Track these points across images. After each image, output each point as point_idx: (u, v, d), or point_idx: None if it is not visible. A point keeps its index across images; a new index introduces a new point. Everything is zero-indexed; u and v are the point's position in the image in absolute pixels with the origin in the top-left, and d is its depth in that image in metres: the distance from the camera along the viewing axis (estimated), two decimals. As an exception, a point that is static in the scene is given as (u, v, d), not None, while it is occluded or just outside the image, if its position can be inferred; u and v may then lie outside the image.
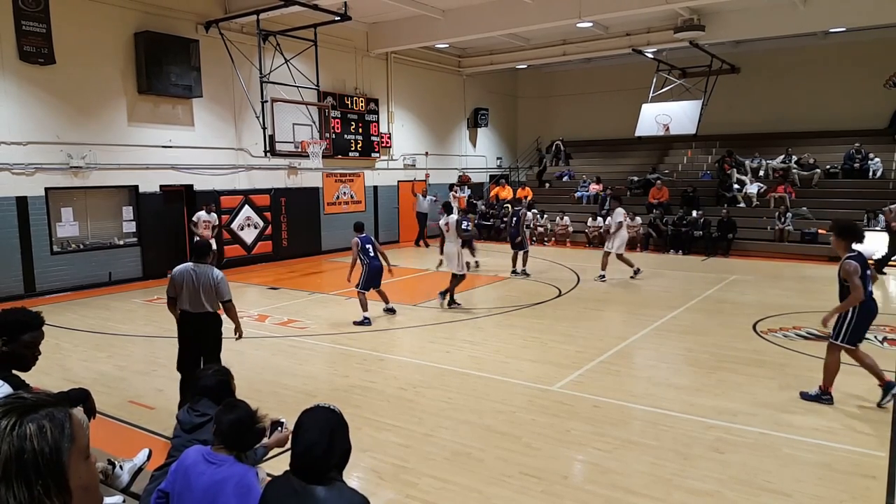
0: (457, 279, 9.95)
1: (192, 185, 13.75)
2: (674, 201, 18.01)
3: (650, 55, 17.91)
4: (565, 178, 21.84)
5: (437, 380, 6.62)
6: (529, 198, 20.37)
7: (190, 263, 5.49)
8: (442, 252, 10.24)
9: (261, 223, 15.27)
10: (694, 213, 16.92)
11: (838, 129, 18.34)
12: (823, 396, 5.87)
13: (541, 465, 4.66)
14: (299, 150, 14.43)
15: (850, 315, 5.72)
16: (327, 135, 15.32)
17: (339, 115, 16.77)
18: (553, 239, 18.59)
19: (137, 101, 12.60)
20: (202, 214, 12.97)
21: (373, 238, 9.51)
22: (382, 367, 7.18)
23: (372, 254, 9.27)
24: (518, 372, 6.86)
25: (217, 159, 14.17)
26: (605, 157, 22.50)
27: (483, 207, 20.45)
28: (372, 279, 9.30)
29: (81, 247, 12.17)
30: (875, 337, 8.12)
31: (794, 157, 17.91)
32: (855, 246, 5.79)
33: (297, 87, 14.21)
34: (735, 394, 6.17)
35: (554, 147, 23.09)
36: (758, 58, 18.79)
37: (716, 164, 19.29)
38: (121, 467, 3.77)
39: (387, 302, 9.60)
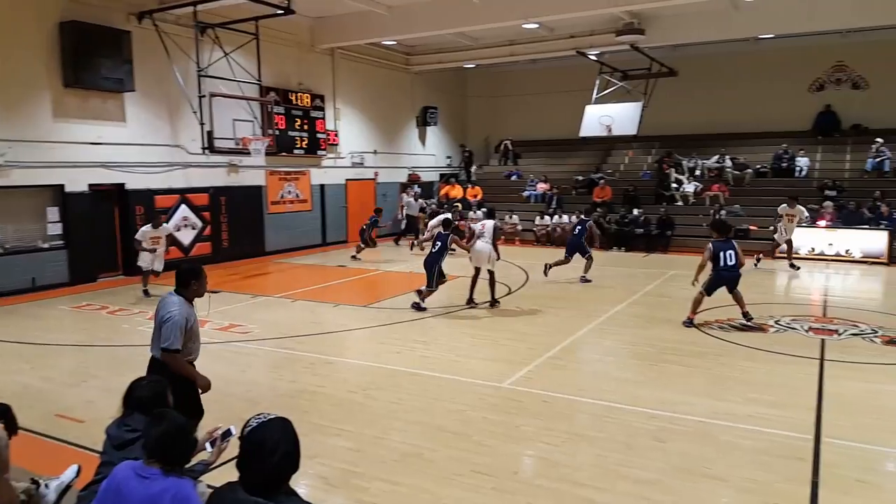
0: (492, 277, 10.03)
1: (123, 184, 13.15)
2: (616, 200, 18.48)
3: (593, 57, 18.30)
4: (514, 178, 22.07)
5: (388, 381, 6.55)
6: (479, 197, 20.53)
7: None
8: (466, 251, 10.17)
9: (199, 223, 14.74)
10: (635, 212, 17.40)
11: (768, 130, 19.24)
12: (686, 322, 8.56)
13: (492, 463, 4.66)
14: (240, 146, 14.02)
15: (710, 275, 8.58)
16: (270, 131, 14.95)
17: (283, 111, 16.39)
18: (502, 237, 18.71)
19: (63, 95, 11.94)
20: (147, 230, 11.03)
21: (451, 238, 9.93)
22: (331, 370, 7.05)
23: (434, 250, 9.82)
24: (469, 371, 6.86)
25: (151, 157, 13.59)
26: (552, 157, 22.88)
27: (434, 206, 20.45)
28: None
29: (1, 251, 11.43)
30: (801, 326, 8.56)
31: (728, 158, 18.68)
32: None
33: (238, 81, 13.77)
34: (676, 384, 6.36)
35: (503, 146, 23.31)
36: (694, 62, 19.46)
37: (655, 164, 19.90)
38: (46, 486, 3.53)
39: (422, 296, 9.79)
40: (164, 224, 11.70)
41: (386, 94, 20.25)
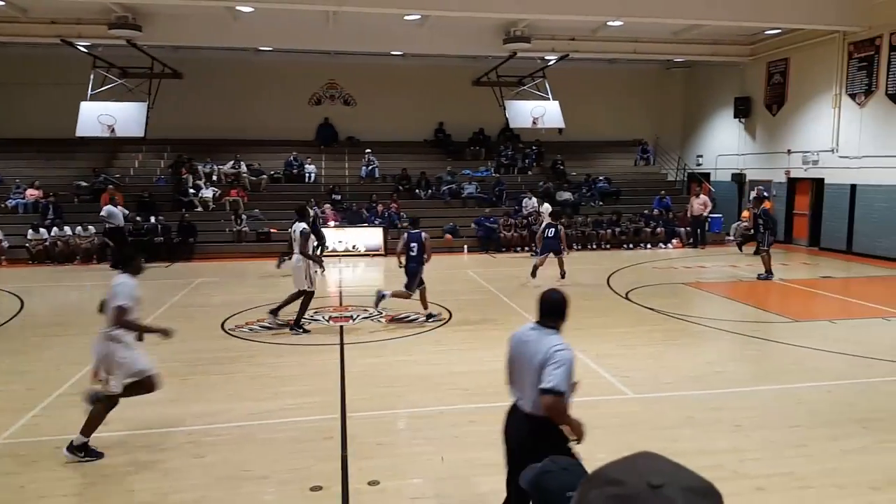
0: (308, 297, 8.66)
1: None
2: (129, 207, 16.92)
3: (83, 49, 16.21)
4: (-12, 184, 17.68)
5: None
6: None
7: None
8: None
9: None
10: (153, 219, 16.34)
11: (277, 138, 20.80)
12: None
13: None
14: None
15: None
16: None
17: None
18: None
19: None
20: None
21: (424, 235, 9.15)
22: None
23: (414, 253, 9.04)
24: (-67, 439, 5.16)
25: None
26: (43, 159, 19.30)
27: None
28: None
29: None
30: (323, 317, 9.58)
31: (244, 163, 19.39)
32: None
33: None
34: (212, 394, 6.23)
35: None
36: (203, 66, 19.37)
37: (170, 169, 19.09)
38: None
39: (425, 307, 9.24)
40: None
41: None
